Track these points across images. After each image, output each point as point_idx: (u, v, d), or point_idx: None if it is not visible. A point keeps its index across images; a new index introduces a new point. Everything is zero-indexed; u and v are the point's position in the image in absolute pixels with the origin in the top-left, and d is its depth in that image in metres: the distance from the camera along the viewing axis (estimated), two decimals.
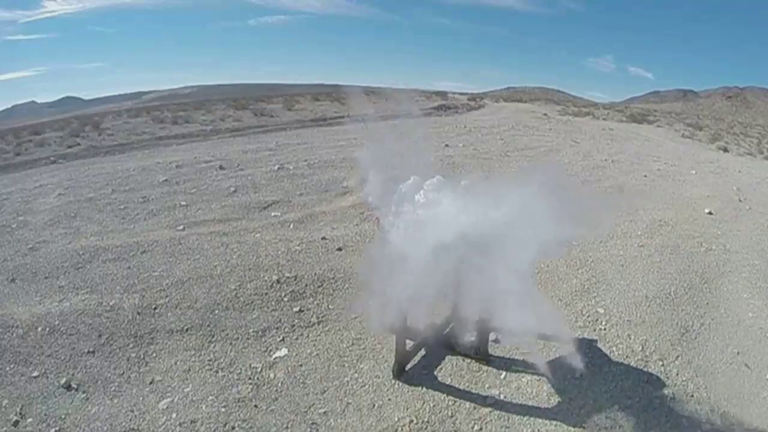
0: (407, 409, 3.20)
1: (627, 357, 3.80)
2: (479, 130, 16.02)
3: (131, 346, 3.80)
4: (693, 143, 19.34)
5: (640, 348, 3.94)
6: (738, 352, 4.06)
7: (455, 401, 3.29)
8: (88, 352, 3.71)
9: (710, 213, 7.71)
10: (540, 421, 3.16)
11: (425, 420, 3.11)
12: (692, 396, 3.50)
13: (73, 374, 3.49)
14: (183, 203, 7.07)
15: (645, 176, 10.23)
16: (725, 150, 17.92)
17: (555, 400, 3.32)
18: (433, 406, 3.24)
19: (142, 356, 3.69)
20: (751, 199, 9.02)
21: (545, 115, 23.98)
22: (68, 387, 3.37)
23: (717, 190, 9.43)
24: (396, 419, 3.12)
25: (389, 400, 3.29)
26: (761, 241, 6.70)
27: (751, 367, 3.89)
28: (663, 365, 3.78)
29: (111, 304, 4.29)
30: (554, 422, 3.14)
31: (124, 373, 3.53)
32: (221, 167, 9.26)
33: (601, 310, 4.44)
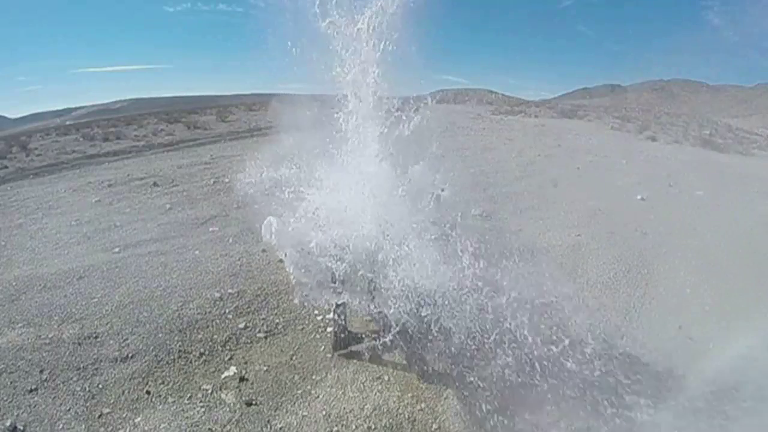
0: (367, 418, 3.17)
1: None
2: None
3: (75, 379, 3.57)
4: (622, 134, 20.25)
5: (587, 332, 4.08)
6: (680, 327, 4.32)
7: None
8: (31, 390, 3.46)
9: (642, 199, 8.09)
10: None
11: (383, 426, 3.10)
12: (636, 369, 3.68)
13: (17, 415, 3.24)
14: (118, 224, 6.77)
15: (578, 168, 10.63)
16: (653, 139, 18.86)
17: None
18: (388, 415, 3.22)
19: (87, 389, 3.48)
20: (681, 183, 9.55)
21: (478, 115, 24.48)
22: (14, 429, 3.13)
23: (648, 177, 9.91)
24: (353, 428, 3.09)
25: (345, 409, 3.25)
26: (693, 222, 7.10)
27: (695, 340, 4.12)
28: (608, 345, 3.96)
29: (50, 336, 4.03)
30: None
31: (70, 409, 3.31)
32: (155, 184, 8.95)
33: None
